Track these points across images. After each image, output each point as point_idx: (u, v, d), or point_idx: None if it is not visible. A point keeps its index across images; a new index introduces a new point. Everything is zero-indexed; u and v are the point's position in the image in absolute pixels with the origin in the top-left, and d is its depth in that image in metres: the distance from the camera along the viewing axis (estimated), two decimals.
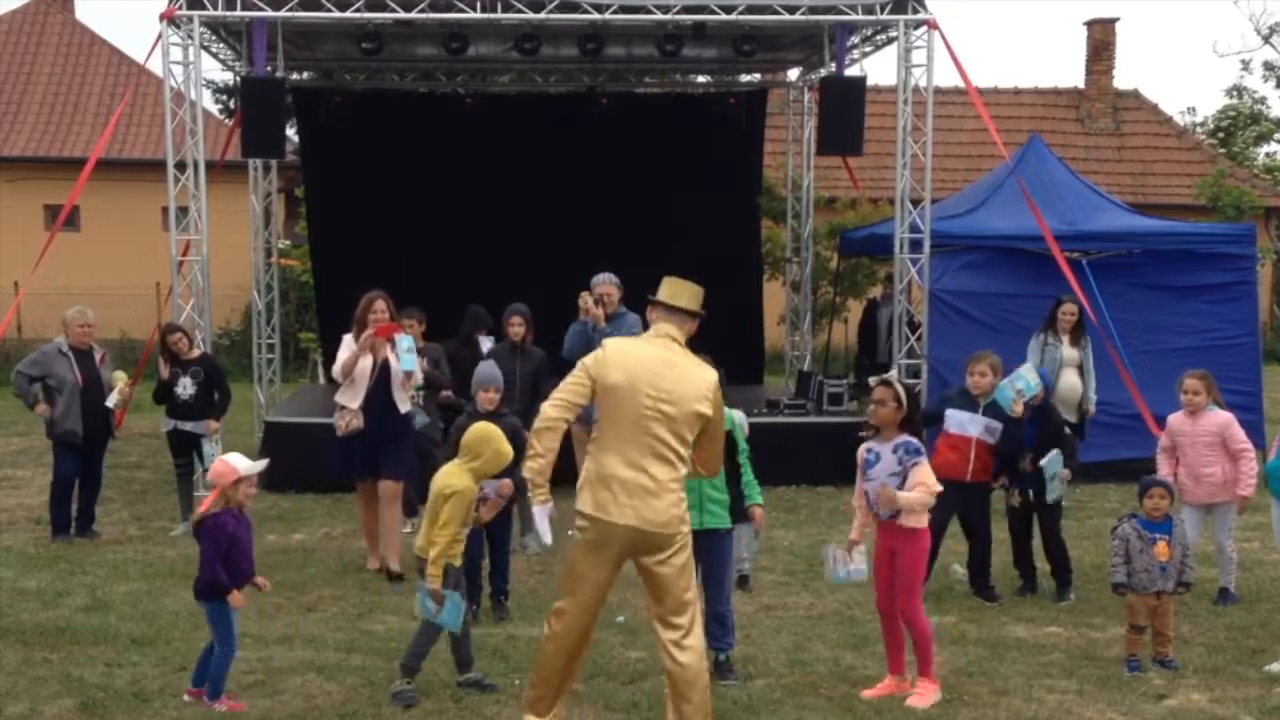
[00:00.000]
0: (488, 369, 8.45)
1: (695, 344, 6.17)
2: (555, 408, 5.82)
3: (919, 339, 12.88)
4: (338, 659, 7.27)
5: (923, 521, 6.62)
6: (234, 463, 6.52)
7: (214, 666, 6.48)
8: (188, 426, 10.47)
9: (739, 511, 7.12)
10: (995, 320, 12.80)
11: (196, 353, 10.72)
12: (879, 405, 6.67)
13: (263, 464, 6.80)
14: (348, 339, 9.27)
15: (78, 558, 9.67)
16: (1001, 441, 8.44)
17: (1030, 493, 8.54)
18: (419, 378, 9.47)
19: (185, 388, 10.40)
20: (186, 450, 10.58)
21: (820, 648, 7.55)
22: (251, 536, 6.64)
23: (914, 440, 6.63)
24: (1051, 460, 8.36)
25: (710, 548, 6.83)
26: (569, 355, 9.89)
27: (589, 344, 9.92)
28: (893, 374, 6.99)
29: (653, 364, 5.84)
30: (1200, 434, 8.37)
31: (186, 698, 6.53)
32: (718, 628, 6.96)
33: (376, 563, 9.26)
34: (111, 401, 10.27)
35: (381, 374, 9.13)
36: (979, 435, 8.35)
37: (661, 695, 6.57)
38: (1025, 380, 8.42)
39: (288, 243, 22.98)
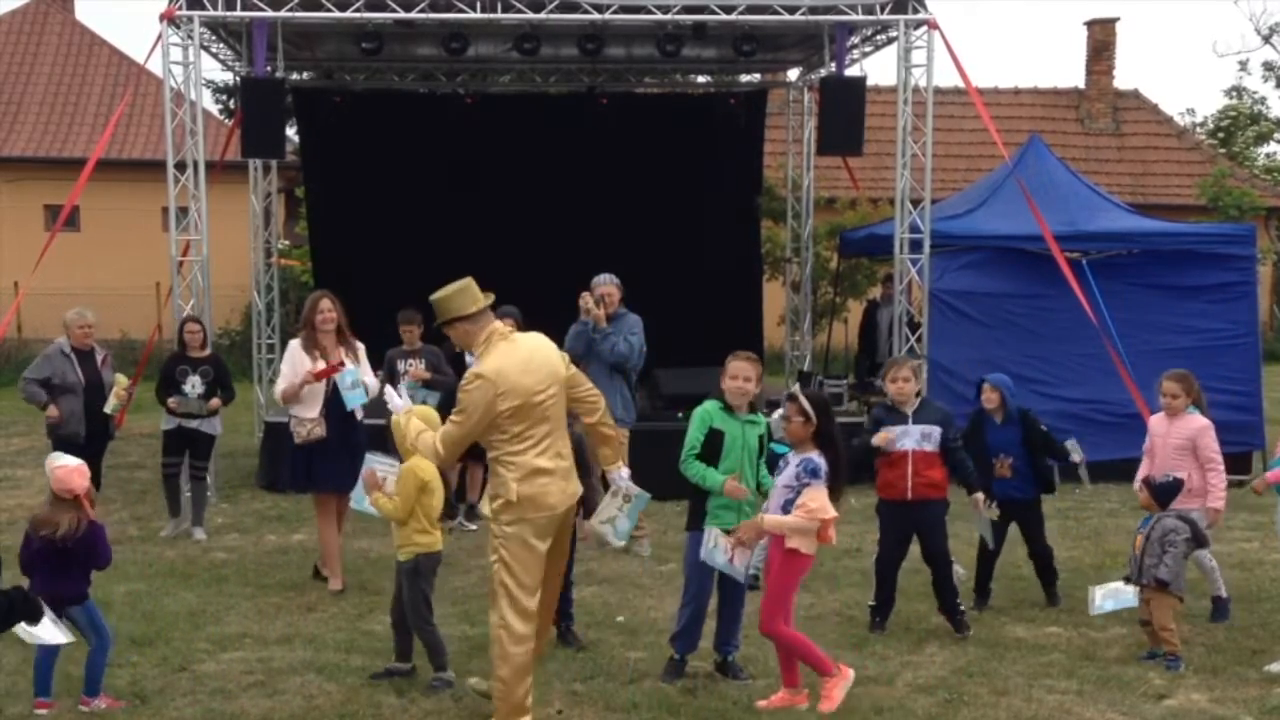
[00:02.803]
0: None
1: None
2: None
3: (919, 339, 12.87)
4: (338, 659, 7.27)
5: (804, 548, 6.36)
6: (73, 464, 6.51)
7: (95, 662, 6.49)
8: (193, 425, 10.36)
9: None
10: (995, 320, 12.82)
11: (207, 352, 10.60)
12: (786, 421, 6.48)
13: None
14: (294, 345, 8.95)
15: None
16: (963, 461, 7.91)
17: (1035, 492, 8.36)
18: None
19: (195, 386, 10.27)
20: (182, 450, 10.46)
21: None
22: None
23: (816, 459, 6.35)
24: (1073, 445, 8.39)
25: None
26: (570, 356, 9.86)
27: (589, 345, 9.93)
28: (796, 387, 6.70)
29: (525, 363, 6.13)
30: (1173, 437, 8.00)
31: (39, 712, 6.41)
32: (729, 631, 6.96)
33: (339, 583, 8.81)
34: (109, 407, 10.25)
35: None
36: (915, 446, 7.69)
37: (662, 695, 6.60)
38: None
39: (287, 243, 22.98)
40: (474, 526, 10.58)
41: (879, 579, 7.94)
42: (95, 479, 10.46)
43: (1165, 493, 7.58)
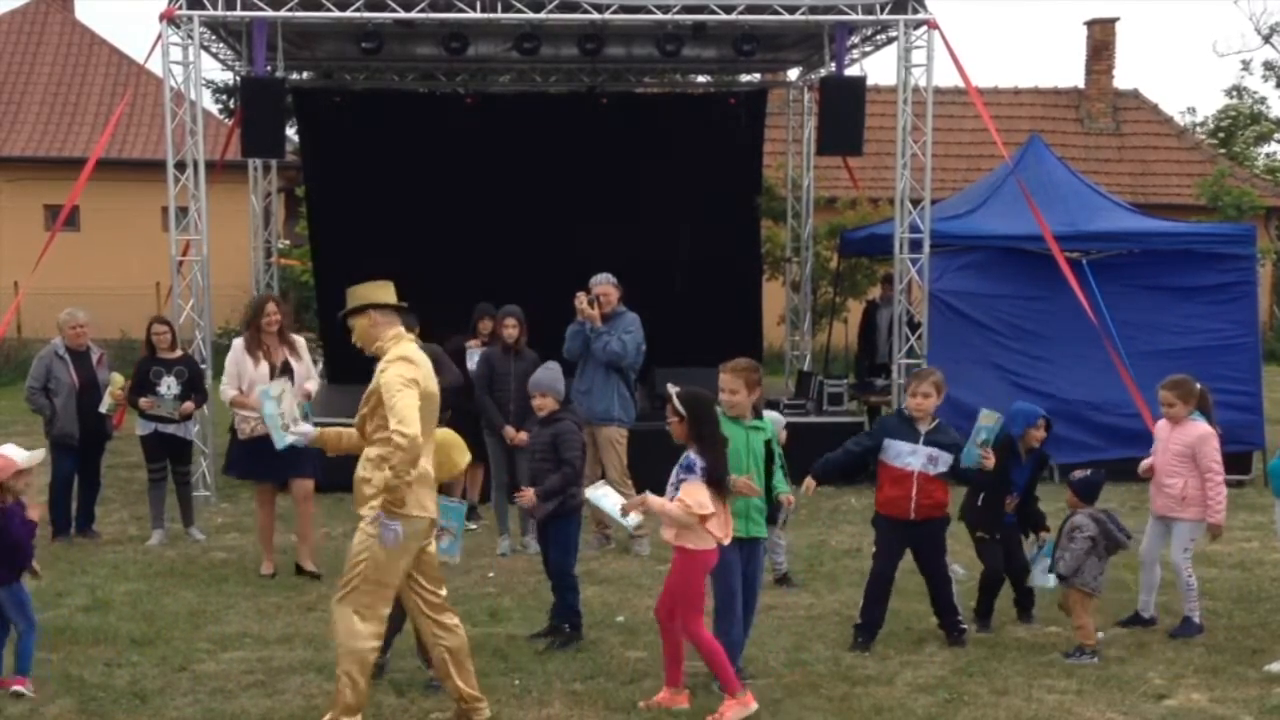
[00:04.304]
0: (542, 375, 7.95)
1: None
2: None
3: (919, 339, 12.87)
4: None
5: (689, 541, 6.28)
6: (11, 455, 6.61)
7: (25, 645, 6.69)
8: (169, 429, 10.12)
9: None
10: (994, 321, 12.82)
11: (178, 353, 10.35)
12: (667, 421, 6.48)
13: (40, 453, 6.91)
14: (238, 345, 9.27)
15: (78, 558, 9.66)
16: (977, 489, 7.80)
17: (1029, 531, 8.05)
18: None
19: (170, 387, 10.03)
20: (163, 455, 10.21)
21: (820, 648, 7.54)
22: (28, 527, 6.79)
23: (691, 456, 6.30)
24: (1044, 556, 7.80)
25: (752, 554, 6.86)
26: (570, 356, 9.88)
27: (587, 345, 9.93)
28: (671, 387, 6.55)
29: (430, 369, 6.17)
30: (1173, 444, 7.87)
31: (22, 689, 6.57)
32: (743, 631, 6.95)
33: (270, 567, 9.27)
34: (105, 407, 10.16)
35: (283, 378, 8.85)
36: (920, 468, 7.39)
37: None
38: (987, 430, 7.42)
39: (288, 243, 22.99)
40: (474, 526, 10.57)
41: (871, 598, 7.61)
42: (94, 479, 10.56)
43: (1085, 488, 7.55)
